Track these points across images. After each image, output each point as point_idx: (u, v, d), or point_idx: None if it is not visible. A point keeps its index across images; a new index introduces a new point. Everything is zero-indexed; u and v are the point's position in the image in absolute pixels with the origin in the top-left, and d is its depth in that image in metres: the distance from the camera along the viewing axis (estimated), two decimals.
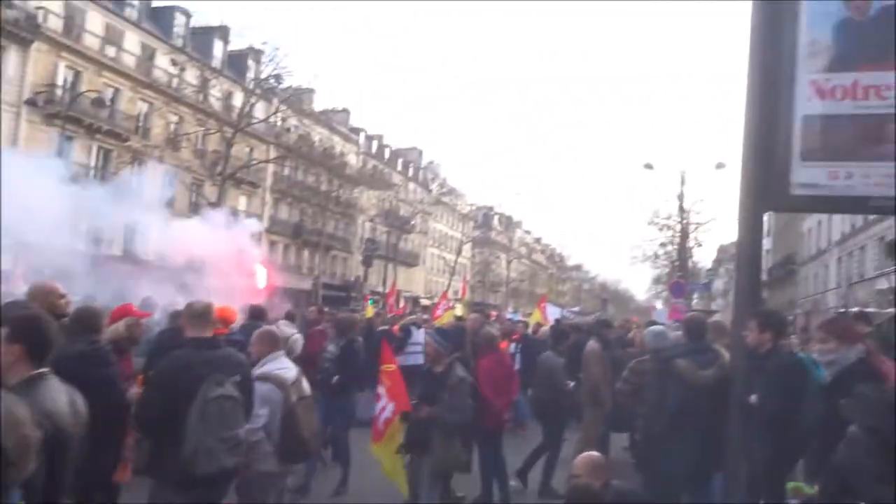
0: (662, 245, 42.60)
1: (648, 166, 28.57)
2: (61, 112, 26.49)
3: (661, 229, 40.78)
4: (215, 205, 25.51)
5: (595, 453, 3.95)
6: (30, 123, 26.94)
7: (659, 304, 46.22)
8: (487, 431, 6.63)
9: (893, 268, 20.73)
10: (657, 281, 59.13)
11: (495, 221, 77.70)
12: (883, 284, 20.22)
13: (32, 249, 7.60)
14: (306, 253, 45.33)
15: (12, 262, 8.85)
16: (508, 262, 75.27)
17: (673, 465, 5.01)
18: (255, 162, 36.42)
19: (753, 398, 4.38)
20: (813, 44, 4.02)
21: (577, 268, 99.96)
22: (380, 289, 44.25)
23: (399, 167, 59.01)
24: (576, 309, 45.57)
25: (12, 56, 26.46)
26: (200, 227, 10.52)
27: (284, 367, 4.77)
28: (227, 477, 4.01)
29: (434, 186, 65.11)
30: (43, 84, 27.45)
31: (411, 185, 60.49)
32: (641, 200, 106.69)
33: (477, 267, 71.53)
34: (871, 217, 25.32)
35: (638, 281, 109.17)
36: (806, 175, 4.03)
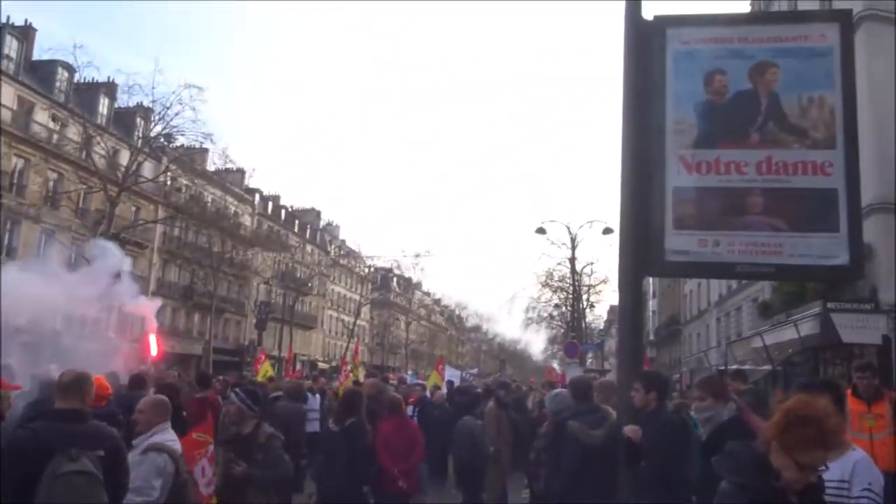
0: (557, 306, 43.96)
1: (541, 231, 29.54)
2: None
3: (555, 291, 42.14)
4: None
5: None
6: None
7: (555, 364, 47.30)
8: (390, 498, 6.54)
9: (767, 327, 22.27)
10: (553, 341, 60.69)
11: (394, 283, 77.66)
12: (758, 343, 21.59)
13: None
14: (197, 316, 43.38)
15: None
16: (407, 324, 75.08)
17: None
18: (141, 222, 34.94)
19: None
20: (679, 122, 4.38)
21: (476, 329, 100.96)
22: (275, 352, 42.83)
23: (296, 228, 58.24)
24: (474, 370, 45.89)
25: None
26: (36, 276, 8.80)
27: (173, 438, 4.59)
28: None
29: (332, 248, 64.53)
30: None
31: (308, 247, 59.70)
32: (536, 263, 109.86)
33: (376, 329, 70.87)
34: (745, 280, 27.26)
35: (535, 341, 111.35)
36: (678, 242, 4.32)
